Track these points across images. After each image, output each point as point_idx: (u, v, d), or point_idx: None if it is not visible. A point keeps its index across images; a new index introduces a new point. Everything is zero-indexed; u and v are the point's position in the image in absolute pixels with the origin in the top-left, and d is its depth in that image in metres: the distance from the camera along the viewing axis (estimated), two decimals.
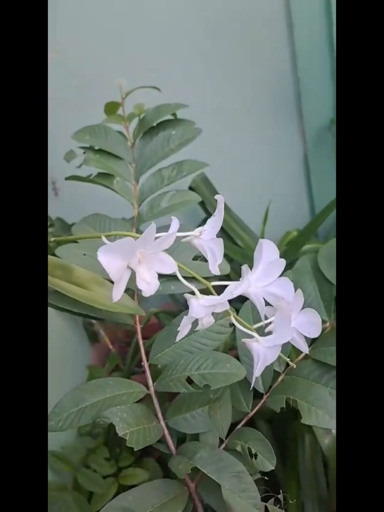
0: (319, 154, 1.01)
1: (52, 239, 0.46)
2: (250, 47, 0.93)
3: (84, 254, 0.45)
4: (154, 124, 0.63)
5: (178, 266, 0.38)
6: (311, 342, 0.50)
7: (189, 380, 0.43)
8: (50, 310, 0.41)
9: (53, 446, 0.69)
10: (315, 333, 0.40)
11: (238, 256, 0.87)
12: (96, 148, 0.61)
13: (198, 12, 0.89)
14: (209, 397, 0.44)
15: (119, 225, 0.55)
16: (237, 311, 0.46)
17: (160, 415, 0.45)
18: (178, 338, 0.39)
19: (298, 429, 0.62)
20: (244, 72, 0.95)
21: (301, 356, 0.50)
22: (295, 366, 0.43)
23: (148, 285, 0.36)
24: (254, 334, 0.38)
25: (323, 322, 0.51)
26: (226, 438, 0.46)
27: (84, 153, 0.60)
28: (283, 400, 0.45)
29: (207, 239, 0.39)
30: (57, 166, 0.63)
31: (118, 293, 0.36)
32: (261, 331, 0.40)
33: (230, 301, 0.38)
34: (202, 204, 0.92)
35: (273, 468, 0.42)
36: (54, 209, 0.84)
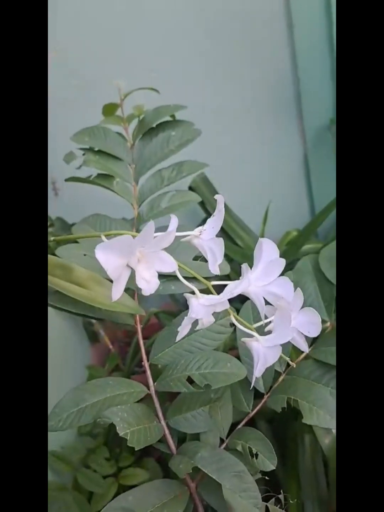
0: (319, 154, 1.01)
1: (52, 238, 0.46)
2: (250, 47, 0.93)
3: (85, 255, 0.45)
4: (154, 125, 0.63)
5: (179, 266, 0.38)
6: (312, 342, 0.50)
7: (190, 380, 0.43)
8: (50, 310, 0.41)
9: (53, 446, 0.69)
10: (315, 332, 0.40)
11: (238, 256, 0.87)
12: (96, 149, 0.61)
13: (198, 12, 0.89)
14: (210, 397, 0.44)
15: (119, 226, 0.55)
16: (238, 311, 0.46)
17: (160, 414, 0.45)
18: (178, 338, 0.39)
19: (298, 429, 0.62)
20: (244, 72, 0.95)
21: (302, 356, 0.50)
22: (295, 366, 0.43)
23: (148, 283, 0.36)
24: (254, 333, 0.38)
25: (324, 322, 0.51)
26: (226, 438, 0.46)
27: (83, 155, 0.60)
28: (284, 400, 0.45)
29: (207, 239, 0.39)
30: (57, 166, 0.63)
31: (117, 292, 0.36)
32: (261, 331, 0.40)
33: (230, 301, 0.38)
34: (202, 204, 0.93)
35: (274, 468, 0.42)
36: (54, 209, 0.84)
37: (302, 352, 0.46)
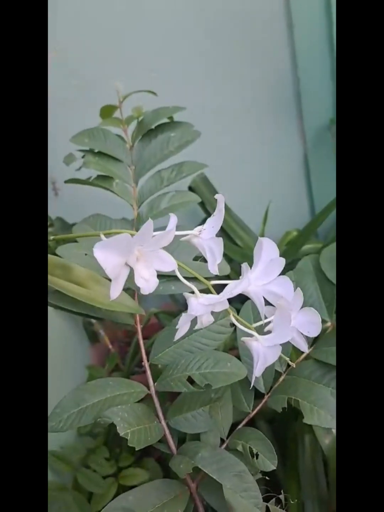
0: (319, 154, 1.01)
1: (51, 237, 0.46)
2: (250, 47, 0.93)
3: (86, 254, 0.45)
4: (153, 127, 0.63)
5: (179, 266, 0.38)
6: (313, 342, 0.50)
7: (190, 380, 0.43)
8: (50, 310, 0.41)
9: (53, 446, 0.69)
10: (314, 332, 0.40)
11: (238, 256, 0.87)
12: (95, 151, 0.61)
13: (198, 12, 0.89)
14: (210, 397, 0.44)
15: (119, 226, 0.55)
16: (238, 311, 0.46)
17: (161, 415, 0.45)
18: (176, 337, 0.39)
19: (298, 429, 0.63)
20: (244, 72, 0.95)
21: (303, 356, 0.50)
22: (295, 366, 0.43)
23: (147, 282, 0.36)
24: (254, 333, 0.38)
25: (325, 322, 0.51)
26: (227, 438, 0.46)
27: (83, 157, 0.61)
28: (285, 400, 0.45)
29: (207, 238, 0.39)
30: (56, 166, 0.63)
31: (116, 291, 0.35)
32: (261, 331, 0.40)
33: (230, 302, 0.38)
34: (202, 204, 0.92)
35: (275, 468, 0.42)
36: (54, 209, 0.84)
37: (303, 352, 0.46)
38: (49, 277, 0.41)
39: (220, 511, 0.41)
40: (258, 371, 0.38)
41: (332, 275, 0.53)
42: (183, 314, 0.37)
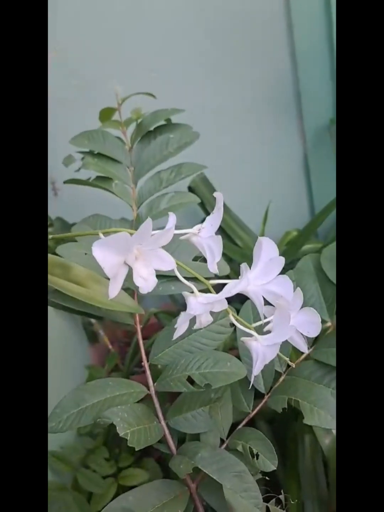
0: (319, 154, 1.01)
1: (50, 236, 0.46)
2: (250, 47, 0.93)
3: (85, 253, 0.45)
4: (151, 129, 0.64)
5: (178, 266, 0.38)
6: (313, 343, 0.50)
7: (190, 380, 0.42)
8: (50, 310, 0.41)
9: (52, 446, 0.69)
10: (314, 332, 0.40)
11: (238, 256, 0.87)
12: (95, 152, 0.61)
13: (198, 12, 0.89)
14: (210, 397, 0.44)
15: (118, 226, 0.55)
16: (238, 311, 0.46)
17: (160, 415, 0.44)
18: (175, 336, 0.39)
19: (298, 430, 0.63)
20: (244, 72, 0.95)
21: (303, 356, 0.50)
22: (294, 366, 0.43)
23: (145, 281, 0.35)
24: (253, 333, 0.38)
25: (325, 322, 0.51)
26: (227, 438, 0.46)
27: (82, 159, 0.61)
28: (285, 401, 0.45)
29: (206, 236, 0.39)
30: (56, 166, 0.63)
31: (114, 289, 0.35)
32: (261, 330, 0.40)
33: (230, 302, 0.38)
34: (201, 204, 0.92)
35: (275, 468, 0.42)
36: (54, 209, 0.84)
37: (303, 352, 0.46)
38: (49, 276, 0.41)
39: (220, 511, 0.41)
40: (256, 369, 0.38)
41: (333, 275, 0.52)
42: (182, 313, 0.37)
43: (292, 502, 0.44)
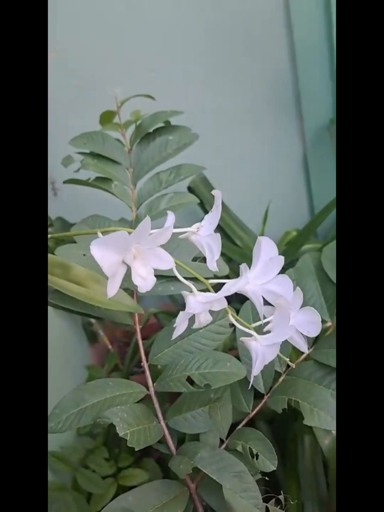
0: (319, 154, 1.01)
1: (49, 236, 0.46)
2: (249, 47, 0.93)
3: (84, 255, 0.45)
4: (151, 130, 0.64)
5: (178, 265, 0.38)
6: (313, 343, 0.50)
7: (190, 380, 0.42)
8: (50, 310, 0.41)
9: (52, 446, 0.69)
10: (314, 332, 0.40)
11: (237, 256, 0.87)
12: (95, 153, 0.61)
13: (198, 12, 0.89)
14: (210, 397, 0.44)
15: (118, 227, 0.55)
16: (237, 311, 0.46)
17: (160, 415, 0.44)
18: (174, 335, 0.39)
19: (298, 430, 0.62)
20: (244, 72, 0.95)
21: (303, 357, 0.50)
22: (294, 366, 0.43)
23: (144, 280, 0.35)
24: (253, 332, 0.38)
25: (325, 322, 0.51)
26: (226, 438, 0.46)
27: (82, 160, 0.61)
28: (284, 401, 0.45)
29: (205, 235, 0.39)
30: (56, 166, 0.63)
31: (112, 289, 0.35)
32: (260, 330, 0.40)
33: (230, 302, 0.38)
34: (201, 204, 0.92)
35: (275, 469, 0.42)
36: (54, 209, 0.84)
37: (303, 352, 0.46)
38: (49, 276, 0.41)
39: (219, 511, 0.41)
40: (256, 369, 0.38)
41: (333, 274, 0.52)
42: (181, 312, 0.37)
43: (291, 503, 0.44)
